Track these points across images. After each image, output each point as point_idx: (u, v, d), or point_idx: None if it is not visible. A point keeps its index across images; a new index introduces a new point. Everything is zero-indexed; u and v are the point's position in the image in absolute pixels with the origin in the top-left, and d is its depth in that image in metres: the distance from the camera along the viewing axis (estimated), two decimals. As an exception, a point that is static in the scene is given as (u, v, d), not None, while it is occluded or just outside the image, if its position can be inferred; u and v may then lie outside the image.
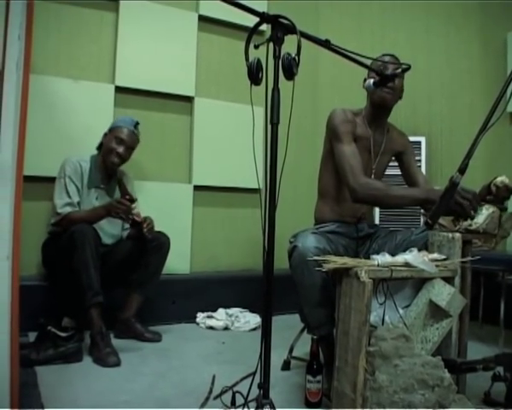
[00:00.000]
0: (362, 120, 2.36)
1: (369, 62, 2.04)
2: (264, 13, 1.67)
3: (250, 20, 1.70)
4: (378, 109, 2.34)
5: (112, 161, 2.96)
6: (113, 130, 3.00)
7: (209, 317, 3.37)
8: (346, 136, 2.23)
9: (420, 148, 3.94)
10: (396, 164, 2.54)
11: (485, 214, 1.95)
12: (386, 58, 2.31)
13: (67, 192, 2.84)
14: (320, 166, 2.47)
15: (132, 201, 2.73)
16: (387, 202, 2.14)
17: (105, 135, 3.03)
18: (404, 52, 4.08)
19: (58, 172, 2.91)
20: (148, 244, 2.91)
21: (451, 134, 4.13)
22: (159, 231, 3.06)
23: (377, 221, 3.89)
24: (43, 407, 1.85)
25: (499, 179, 1.90)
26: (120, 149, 2.95)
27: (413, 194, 2.09)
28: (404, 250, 1.90)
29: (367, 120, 2.37)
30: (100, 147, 3.07)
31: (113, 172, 3.05)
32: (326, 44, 1.80)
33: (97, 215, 2.75)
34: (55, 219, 2.82)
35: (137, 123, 3.06)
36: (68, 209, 2.80)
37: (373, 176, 2.35)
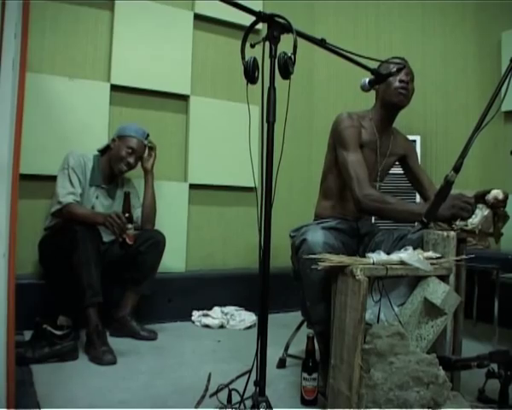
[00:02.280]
0: (369, 122, 2.36)
1: (364, 62, 2.05)
2: (260, 12, 1.67)
3: (246, 19, 1.71)
4: (390, 110, 2.35)
5: (120, 169, 2.98)
6: (124, 138, 3.00)
7: (205, 315, 3.37)
8: (352, 143, 2.24)
9: (415, 147, 3.95)
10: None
11: (479, 215, 1.96)
12: (403, 62, 2.31)
13: (71, 182, 2.84)
14: (324, 167, 2.46)
15: (131, 221, 2.73)
16: (390, 215, 2.16)
17: (113, 140, 3.04)
18: (399, 51, 4.08)
19: (61, 164, 2.91)
20: (143, 243, 2.91)
21: (446, 133, 4.14)
22: (155, 230, 3.07)
23: (373, 218, 3.89)
24: (38, 406, 1.85)
25: (492, 195, 1.92)
26: (131, 160, 2.98)
27: (414, 209, 2.09)
28: (401, 249, 1.90)
29: (374, 123, 2.36)
30: (105, 149, 3.06)
31: (116, 176, 3.07)
32: (321, 43, 1.80)
33: (94, 219, 2.73)
34: (55, 207, 2.80)
35: (148, 135, 3.11)
36: (71, 198, 2.79)
37: (378, 178, 2.37)
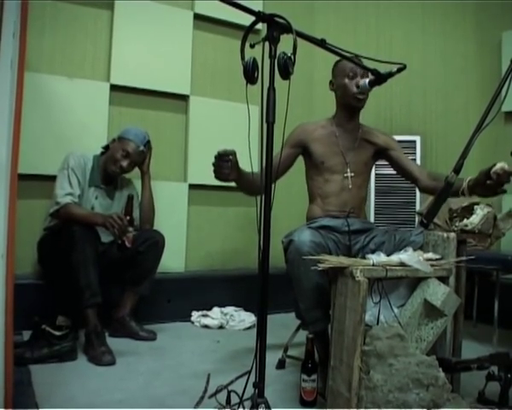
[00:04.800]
0: (329, 122, 2.47)
1: (363, 61, 2.05)
2: (260, 12, 1.67)
3: (246, 19, 1.70)
4: (348, 111, 2.43)
5: (112, 170, 2.96)
6: (122, 140, 2.99)
7: (204, 315, 3.36)
8: (285, 146, 2.31)
9: (415, 147, 3.95)
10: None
11: (480, 215, 1.95)
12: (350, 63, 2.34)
13: (70, 183, 2.83)
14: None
15: (132, 224, 2.72)
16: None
17: (113, 140, 3.03)
18: (399, 52, 4.12)
19: (61, 164, 2.90)
20: (142, 243, 2.90)
21: (446, 133, 4.14)
22: (154, 230, 3.06)
23: (372, 215, 3.90)
24: (37, 406, 1.85)
25: (499, 166, 1.85)
26: (124, 163, 2.95)
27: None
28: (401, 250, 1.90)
29: (335, 121, 2.47)
30: (105, 148, 3.06)
31: (115, 176, 3.05)
32: (321, 44, 1.80)
33: (93, 220, 2.71)
34: (53, 208, 2.79)
35: (148, 141, 3.08)
36: (68, 199, 2.77)
37: (348, 169, 2.40)
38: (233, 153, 1.93)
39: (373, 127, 2.56)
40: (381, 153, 2.51)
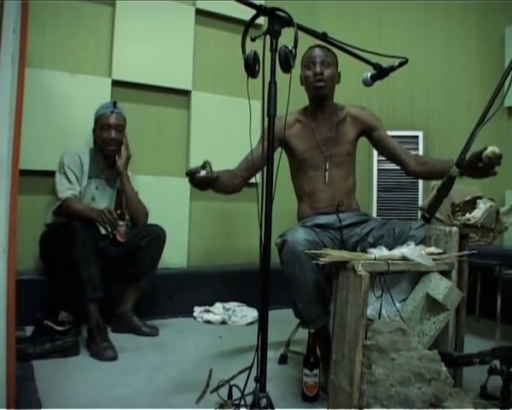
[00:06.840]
0: (304, 114, 2.44)
1: (365, 55, 2.04)
2: (261, 5, 1.67)
3: (247, 14, 1.70)
4: (315, 102, 2.40)
5: (109, 149, 2.97)
6: (97, 121, 3.01)
7: (206, 311, 3.37)
8: (263, 140, 2.27)
9: (417, 142, 3.95)
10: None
11: (482, 209, 1.94)
12: (316, 49, 2.35)
13: (68, 179, 2.86)
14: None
15: (122, 218, 2.72)
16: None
17: (94, 131, 3.05)
18: (402, 47, 4.10)
19: (57, 165, 2.92)
20: (143, 238, 2.90)
21: (449, 128, 4.13)
22: (155, 225, 3.06)
23: (374, 212, 3.90)
24: (39, 402, 1.85)
25: (490, 150, 1.85)
26: (112, 134, 2.96)
27: None
28: (403, 244, 1.90)
29: (309, 113, 2.43)
30: (94, 143, 3.07)
31: (112, 162, 3.04)
32: (323, 37, 1.79)
33: (88, 215, 2.73)
34: (56, 205, 2.81)
35: (115, 102, 3.05)
36: (69, 193, 2.80)
37: (327, 164, 2.36)
38: (202, 167, 1.95)
39: (351, 105, 2.49)
40: (363, 134, 2.47)
